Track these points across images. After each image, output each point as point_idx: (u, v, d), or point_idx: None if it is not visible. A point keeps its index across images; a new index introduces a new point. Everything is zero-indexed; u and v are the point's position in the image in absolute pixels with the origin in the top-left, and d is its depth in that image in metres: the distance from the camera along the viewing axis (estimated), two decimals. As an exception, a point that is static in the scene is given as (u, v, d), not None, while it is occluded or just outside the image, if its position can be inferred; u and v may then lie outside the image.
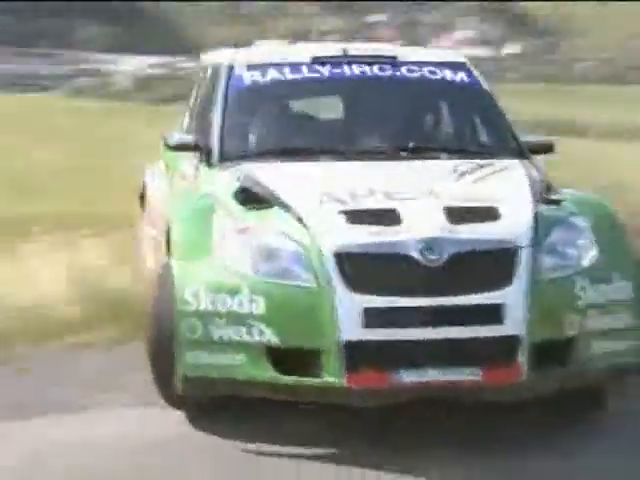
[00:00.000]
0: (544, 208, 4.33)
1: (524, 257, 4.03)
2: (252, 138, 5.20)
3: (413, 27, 63.93)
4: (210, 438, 4.20)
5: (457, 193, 4.40)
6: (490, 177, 4.70)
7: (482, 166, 4.82)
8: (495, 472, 3.90)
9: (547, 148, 5.30)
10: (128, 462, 3.98)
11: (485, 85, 5.47)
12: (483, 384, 3.93)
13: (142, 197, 6.40)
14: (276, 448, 4.07)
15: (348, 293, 3.92)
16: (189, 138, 5.32)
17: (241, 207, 4.35)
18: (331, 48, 5.78)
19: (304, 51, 5.58)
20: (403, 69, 5.35)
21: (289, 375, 3.98)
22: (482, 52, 52.80)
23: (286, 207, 4.25)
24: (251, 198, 4.41)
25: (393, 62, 5.38)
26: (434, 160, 4.90)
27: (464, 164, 4.80)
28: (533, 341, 3.97)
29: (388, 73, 5.33)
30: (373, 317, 3.91)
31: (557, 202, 4.46)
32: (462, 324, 3.95)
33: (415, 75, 5.35)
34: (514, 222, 4.16)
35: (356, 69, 5.32)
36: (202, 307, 4.07)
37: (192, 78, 7.81)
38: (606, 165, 13.09)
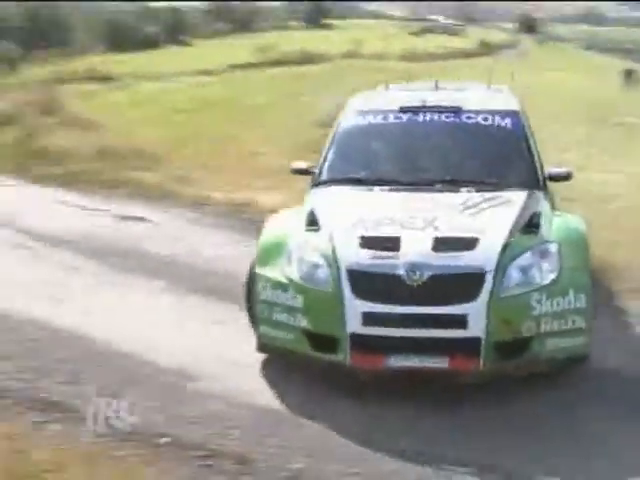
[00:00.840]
0: (518, 237, 5.61)
1: (488, 279, 5.34)
2: (342, 168, 6.86)
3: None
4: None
5: (453, 225, 5.70)
6: (487, 210, 5.94)
7: (488, 199, 6.10)
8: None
9: (565, 177, 6.78)
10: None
11: (526, 129, 6.92)
12: (449, 370, 5.36)
13: None
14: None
15: (353, 299, 5.37)
16: (303, 164, 7.15)
17: (304, 227, 5.96)
18: (415, 98, 7.25)
19: (397, 100, 7.25)
20: (463, 117, 6.96)
21: (317, 351, 5.58)
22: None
23: (326, 228, 5.81)
24: (310, 220, 6.01)
25: (457, 110, 6.97)
26: (453, 193, 6.24)
27: (474, 197, 6.13)
28: (491, 340, 5.33)
29: (450, 120, 6.95)
30: (369, 318, 5.37)
31: (535, 231, 5.73)
32: (436, 327, 5.30)
33: (471, 121, 6.93)
34: (485, 251, 5.44)
35: (428, 116, 6.99)
36: (267, 297, 5.79)
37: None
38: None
